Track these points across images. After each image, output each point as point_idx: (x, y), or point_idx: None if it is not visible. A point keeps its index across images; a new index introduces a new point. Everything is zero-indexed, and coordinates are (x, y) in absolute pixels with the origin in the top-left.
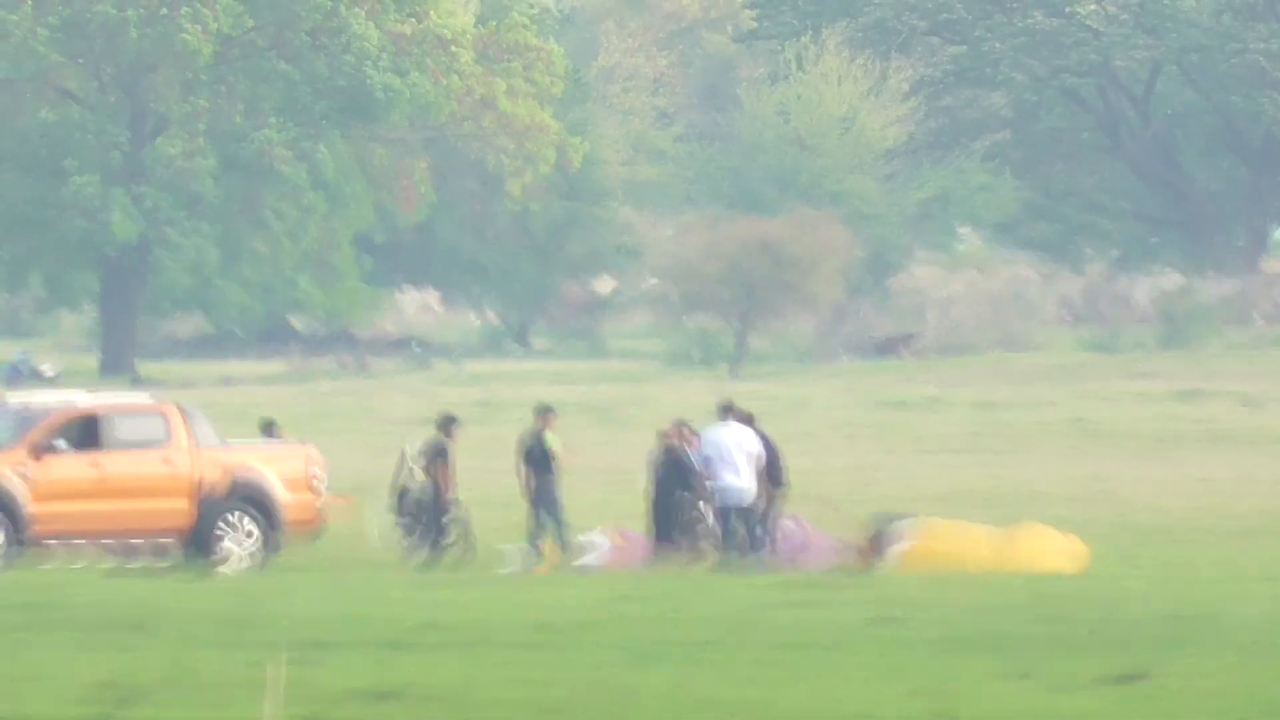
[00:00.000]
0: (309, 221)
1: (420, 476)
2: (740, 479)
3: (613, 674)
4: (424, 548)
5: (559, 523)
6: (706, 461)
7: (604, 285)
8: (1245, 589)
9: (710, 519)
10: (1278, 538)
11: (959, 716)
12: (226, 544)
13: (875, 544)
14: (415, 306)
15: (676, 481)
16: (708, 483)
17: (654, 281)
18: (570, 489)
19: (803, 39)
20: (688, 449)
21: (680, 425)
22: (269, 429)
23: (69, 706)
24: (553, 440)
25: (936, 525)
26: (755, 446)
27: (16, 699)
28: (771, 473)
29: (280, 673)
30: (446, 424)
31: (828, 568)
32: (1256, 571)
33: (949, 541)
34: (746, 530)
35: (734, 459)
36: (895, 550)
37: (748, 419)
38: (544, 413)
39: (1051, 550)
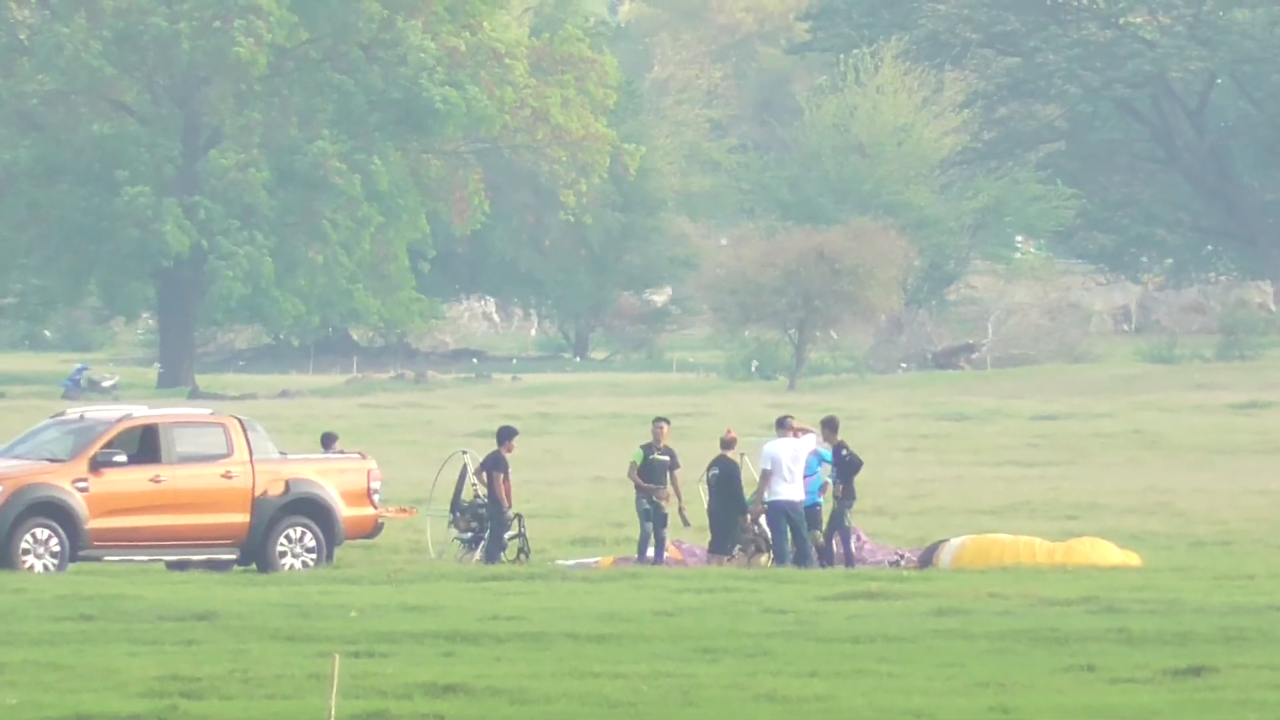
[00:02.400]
0: (364, 233)
1: (482, 491)
2: (794, 489)
3: (675, 667)
4: (480, 558)
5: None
6: (763, 474)
7: (660, 295)
8: None
9: (766, 530)
10: None
11: (1021, 710)
12: (288, 560)
13: (924, 559)
14: (472, 318)
15: (730, 495)
16: (765, 495)
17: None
18: (626, 501)
19: (860, 51)
20: (744, 460)
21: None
22: (329, 442)
23: (135, 700)
24: (635, 454)
25: (989, 541)
26: (811, 447)
27: (84, 693)
28: (843, 477)
29: (335, 667)
30: (505, 436)
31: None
32: None
33: (1003, 547)
34: (796, 541)
35: (789, 471)
36: (949, 547)
37: (834, 425)
38: (652, 425)
39: (1108, 564)
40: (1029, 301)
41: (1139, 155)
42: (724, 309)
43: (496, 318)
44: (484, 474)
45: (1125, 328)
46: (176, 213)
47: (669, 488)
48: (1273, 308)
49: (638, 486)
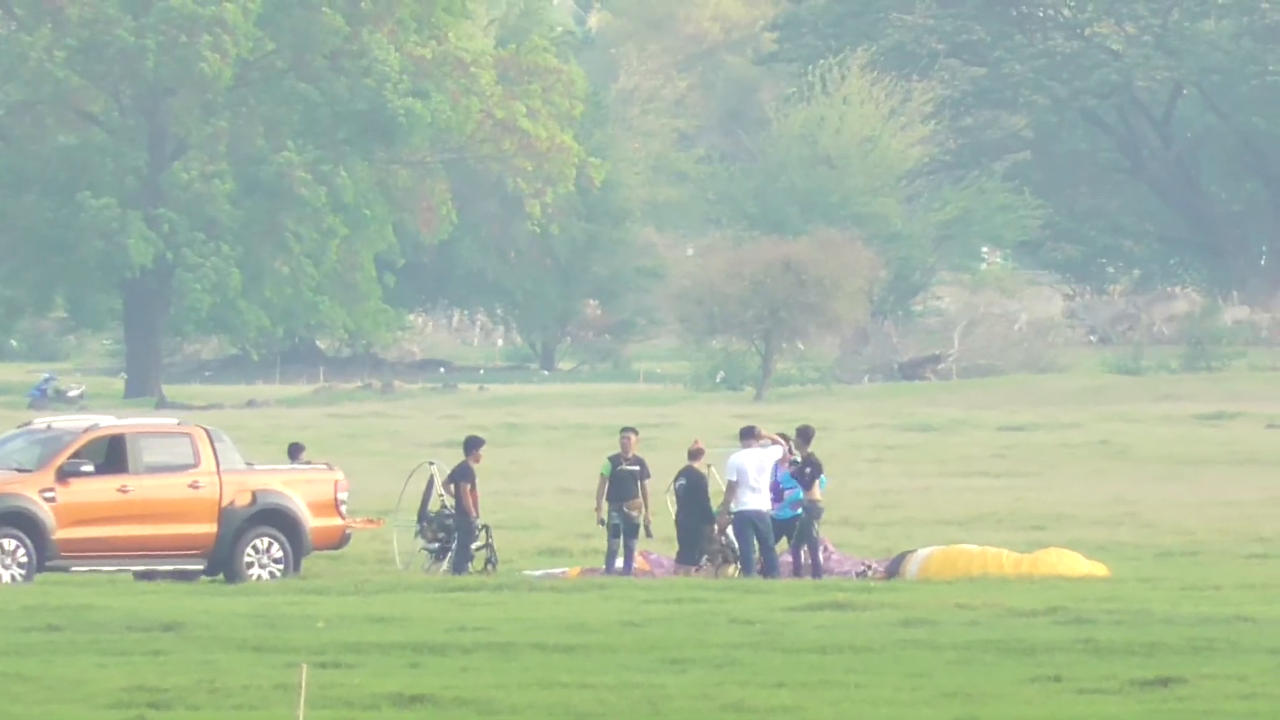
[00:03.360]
0: (329, 244)
1: (449, 501)
2: (760, 499)
3: (643, 678)
4: (447, 569)
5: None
6: (729, 485)
7: (628, 306)
8: (1272, 609)
9: (734, 540)
10: None
11: None
12: (255, 571)
13: (891, 570)
14: (439, 329)
15: (697, 506)
16: (731, 506)
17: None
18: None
19: (827, 61)
20: (711, 471)
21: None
22: (296, 452)
23: (103, 711)
24: (604, 466)
25: (956, 552)
26: (778, 456)
27: (52, 704)
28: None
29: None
30: (471, 447)
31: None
32: None
33: (970, 557)
34: (763, 551)
35: (755, 481)
36: (916, 558)
37: (809, 435)
38: (620, 435)
39: (1075, 575)
40: (959, 311)
41: (1105, 166)
42: (690, 320)
43: (428, 327)
44: (452, 485)
45: (1092, 339)
46: (140, 225)
47: (639, 498)
48: (1227, 321)
49: (599, 508)
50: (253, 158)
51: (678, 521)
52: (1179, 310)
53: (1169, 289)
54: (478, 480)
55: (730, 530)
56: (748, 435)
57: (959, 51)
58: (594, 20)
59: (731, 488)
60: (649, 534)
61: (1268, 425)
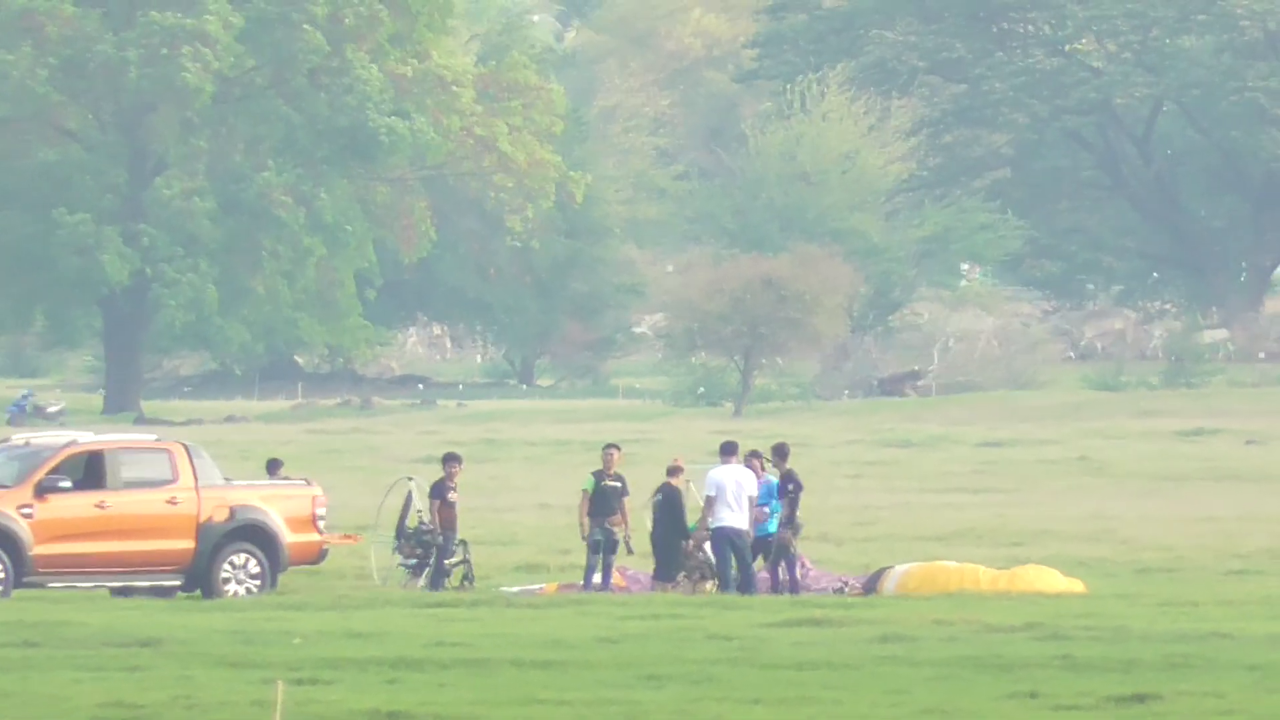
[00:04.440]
0: (307, 263)
1: (428, 517)
2: (738, 517)
3: (620, 694)
4: (424, 585)
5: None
6: (707, 501)
7: (608, 323)
8: (1250, 626)
9: (711, 557)
10: None
11: None
12: (232, 586)
13: (868, 586)
14: (419, 344)
15: (674, 521)
16: (709, 522)
17: (656, 316)
18: (573, 527)
19: (806, 78)
20: (691, 487)
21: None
22: (274, 468)
23: None
24: (587, 482)
25: (935, 568)
26: (754, 488)
27: None
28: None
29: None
30: (448, 462)
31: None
32: (1261, 610)
33: (948, 574)
34: (741, 568)
35: (733, 498)
36: (894, 574)
37: (784, 452)
38: (603, 451)
39: (1053, 591)
40: (931, 326)
41: (1086, 183)
42: (670, 336)
43: (442, 346)
44: (428, 500)
45: (1071, 354)
46: (116, 242)
47: (619, 515)
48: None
49: (583, 524)
50: (233, 176)
51: (654, 538)
52: (1113, 328)
53: (1097, 306)
54: (449, 495)
55: (708, 546)
56: (727, 451)
57: (939, 69)
58: (574, 37)
59: (710, 503)
60: (630, 550)
61: (1247, 441)
